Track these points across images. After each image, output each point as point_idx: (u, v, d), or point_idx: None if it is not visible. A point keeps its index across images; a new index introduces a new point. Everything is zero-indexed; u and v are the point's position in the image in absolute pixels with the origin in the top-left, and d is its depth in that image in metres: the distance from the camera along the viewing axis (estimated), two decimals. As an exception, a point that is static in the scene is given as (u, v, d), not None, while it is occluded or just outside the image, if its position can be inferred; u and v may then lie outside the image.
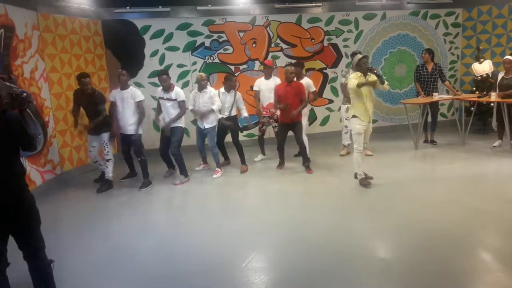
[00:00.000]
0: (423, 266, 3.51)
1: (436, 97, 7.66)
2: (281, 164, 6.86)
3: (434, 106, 7.94)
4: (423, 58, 7.89)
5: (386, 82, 5.53)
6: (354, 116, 5.59)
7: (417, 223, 4.41)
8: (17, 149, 2.75)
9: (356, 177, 5.80)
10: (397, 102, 9.23)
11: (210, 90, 6.52)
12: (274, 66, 7.86)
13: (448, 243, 3.92)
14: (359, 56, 5.52)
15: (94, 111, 6.12)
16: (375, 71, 5.47)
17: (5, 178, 2.63)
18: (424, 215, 4.60)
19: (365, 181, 5.68)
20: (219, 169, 6.70)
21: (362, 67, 5.47)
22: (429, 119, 8.02)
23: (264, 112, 7.07)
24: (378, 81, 5.44)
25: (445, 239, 4.01)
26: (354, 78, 5.47)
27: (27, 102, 2.64)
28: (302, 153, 6.65)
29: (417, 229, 4.25)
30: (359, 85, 5.33)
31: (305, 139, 6.81)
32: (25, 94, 2.63)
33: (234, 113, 6.91)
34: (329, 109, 9.14)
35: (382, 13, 9.06)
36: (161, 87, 6.40)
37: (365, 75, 5.47)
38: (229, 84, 6.76)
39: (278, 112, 6.70)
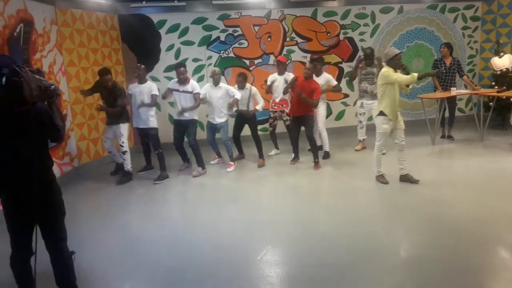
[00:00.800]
0: (440, 263, 3.48)
1: (454, 91, 7.54)
2: (295, 159, 6.86)
3: (452, 101, 7.82)
4: (441, 52, 7.76)
5: (410, 86, 5.42)
6: (382, 114, 5.34)
7: (434, 220, 4.36)
8: (46, 141, 2.80)
9: (403, 179, 5.62)
10: (414, 96, 9.12)
11: (225, 85, 6.57)
12: (287, 62, 7.80)
13: (465, 240, 3.87)
14: (396, 50, 5.24)
15: (113, 103, 6.22)
16: (408, 71, 5.27)
17: (35, 170, 2.64)
18: (441, 212, 4.54)
19: (382, 179, 5.62)
20: (232, 163, 6.75)
21: (396, 63, 5.20)
22: (447, 114, 7.91)
23: (276, 107, 7.06)
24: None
25: (462, 236, 3.97)
26: (390, 72, 5.20)
27: (55, 95, 2.68)
28: (312, 148, 6.61)
29: (434, 226, 4.21)
30: (420, 77, 5.22)
31: (324, 133, 6.94)
32: (53, 86, 2.66)
33: (252, 107, 6.92)
34: (345, 104, 9.08)
35: (399, 7, 8.93)
36: (175, 80, 6.44)
37: (395, 71, 5.23)
38: (239, 84, 6.77)
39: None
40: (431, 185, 5.43)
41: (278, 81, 6.98)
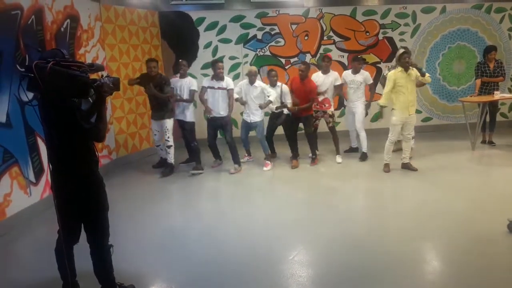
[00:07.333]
0: (483, 271, 3.38)
1: (497, 95, 7.25)
2: (295, 157, 6.84)
3: (494, 105, 7.52)
4: (491, 58, 7.42)
5: (427, 74, 5.84)
6: (393, 109, 6.04)
7: (471, 227, 4.23)
8: (75, 136, 2.72)
9: (404, 166, 6.18)
10: (454, 99, 8.85)
11: (261, 84, 6.56)
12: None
13: (503, 250, 3.74)
14: (400, 51, 5.89)
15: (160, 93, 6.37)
16: (416, 65, 5.83)
17: (69, 165, 2.74)
18: (478, 219, 4.40)
19: (385, 168, 6.16)
20: (269, 162, 6.73)
21: (402, 62, 5.78)
22: (488, 118, 7.61)
23: (318, 106, 6.93)
24: (419, 74, 5.75)
25: (499, 245, 3.83)
26: (393, 73, 5.87)
27: (102, 92, 2.62)
28: (310, 145, 6.79)
29: (470, 234, 4.08)
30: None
31: (363, 133, 6.94)
32: (98, 82, 2.60)
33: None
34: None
35: (442, 7, 8.68)
36: (209, 77, 6.57)
37: (406, 69, 5.78)
38: (270, 80, 6.75)
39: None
40: (469, 191, 5.27)
41: (321, 81, 6.83)
